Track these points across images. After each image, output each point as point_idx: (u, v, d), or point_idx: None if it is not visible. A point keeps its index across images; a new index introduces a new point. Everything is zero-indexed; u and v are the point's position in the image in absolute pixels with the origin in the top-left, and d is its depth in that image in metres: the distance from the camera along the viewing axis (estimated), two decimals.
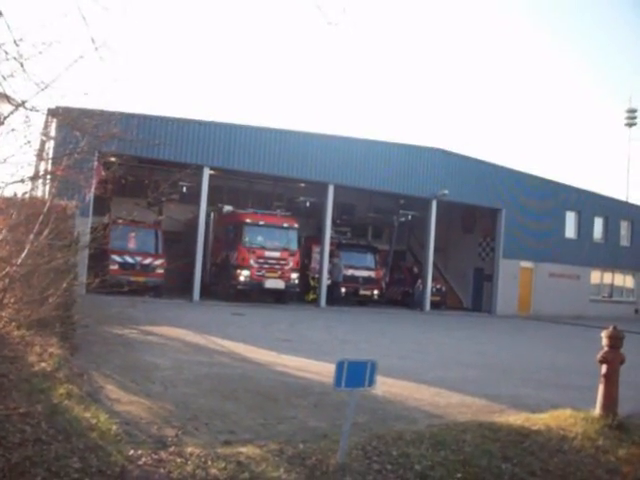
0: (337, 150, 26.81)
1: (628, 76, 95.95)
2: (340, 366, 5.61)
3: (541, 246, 32.90)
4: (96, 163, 9.54)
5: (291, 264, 25.03)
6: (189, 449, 5.42)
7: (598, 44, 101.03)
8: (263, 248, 24.59)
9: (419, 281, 30.61)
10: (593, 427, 7.69)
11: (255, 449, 5.66)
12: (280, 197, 31.58)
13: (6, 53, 5.34)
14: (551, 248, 33.35)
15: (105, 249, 19.29)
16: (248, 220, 24.78)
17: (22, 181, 6.69)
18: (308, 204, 29.49)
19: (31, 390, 6.14)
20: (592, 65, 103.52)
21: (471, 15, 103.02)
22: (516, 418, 7.91)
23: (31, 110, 6.02)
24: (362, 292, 28.75)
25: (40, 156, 8.21)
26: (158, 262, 23.47)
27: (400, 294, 32.24)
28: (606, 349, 8.03)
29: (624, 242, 38.05)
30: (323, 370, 9.65)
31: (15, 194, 7.49)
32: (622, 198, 44.07)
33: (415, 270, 32.43)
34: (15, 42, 5.30)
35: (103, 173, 9.34)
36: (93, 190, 9.79)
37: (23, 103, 5.91)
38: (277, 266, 24.62)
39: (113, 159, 9.27)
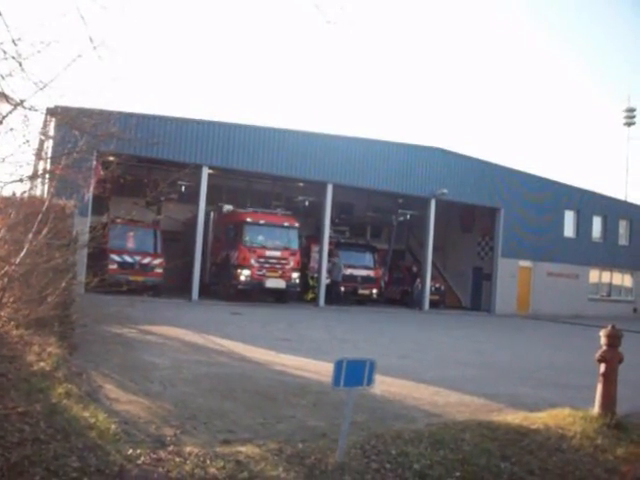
0: (336, 149, 26.81)
1: (627, 75, 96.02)
2: (339, 365, 5.61)
3: (540, 245, 32.93)
4: (95, 162, 9.55)
5: (292, 263, 24.91)
6: (188, 448, 5.42)
7: (597, 43, 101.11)
8: (264, 247, 24.46)
9: (418, 280, 30.62)
10: (592, 426, 7.70)
11: (254, 448, 5.66)
12: (279, 196, 31.57)
13: (4, 52, 5.34)
14: (550, 247, 33.38)
15: (104, 248, 19.27)
16: (249, 219, 24.67)
17: (21, 180, 6.69)
18: (307, 203, 29.49)
19: (30, 389, 6.14)
20: (591, 64, 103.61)
21: (470, 13, 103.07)
22: (515, 417, 7.91)
23: (30, 109, 6.02)
24: (361, 291, 28.75)
25: (39, 155, 8.22)
26: (157, 262, 23.47)
27: (399, 293, 32.27)
28: (604, 348, 8.04)
29: (623, 241, 38.10)
30: (322, 369, 9.65)
31: (14, 193, 7.50)
32: (621, 197, 44.11)
33: (414, 269, 32.43)
34: (14, 41, 5.30)
35: (102, 172, 9.33)
36: (92, 189, 9.78)
37: (22, 102, 5.91)
38: (278, 265, 24.50)
39: (112, 158, 9.29)
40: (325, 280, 27.01)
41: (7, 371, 6.47)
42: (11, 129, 6.09)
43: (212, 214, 26.83)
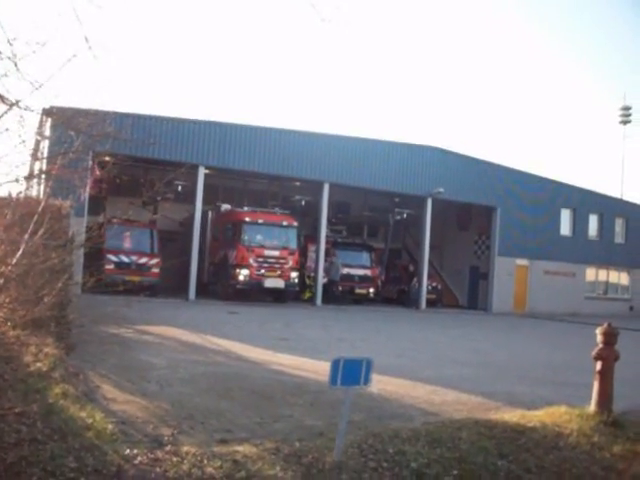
0: (332, 149, 26.82)
1: (623, 73, 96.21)
2: (336, 364, 5.61)
3: (536, 244, 32.99)
4: (91, 162, 9.53)
5: (291, 263, 24.81)
6: (185, 448, 5.42)
7: (593, 42, 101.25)
8: (262, 247, 24.33)
9: (415, 279, 30.66)
10: (588, 424, 7.72)
11: (251, 448, 5.66)
12: (275, 196, 31.56)
13: (0, 53, 5.33)
14: (546, 246, 33.44)
15: (100, 248, 19.24)
16: (247, 219, 24.53)
17: (17, 181, 6.68)
18: (303, 203, 29.48)
19: (27, 390, 6.13)
20: (587, 62, 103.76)
21: (468, 12, 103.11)
22: (512, 415, 7.92)
23: (25, 109, 6.01)
24: (358, 290, 28.74)
25: (35, 156, 8.19)
26: (153, 261, 23.45)
27: (396, 292, 32.28)
28: (601, 346, 8.06)
29: (619, 239, 38.18)
30: (319, 368, 9.65)
31: (10, 194, 7.48)
32: (617, 195, 44.18)
33: (411, 268, 32.46)
34: (9, 41, 5.30)
35: (98, 172, 9.32)
36: (88, 189, 9.77)
37: (17, 102, 5.91)
38: (277, 265, 24.39)
39: (108, 158, 9.25)
40: (322, 279, 27.01)
41: (4, 372, 6.46)
42: (7, 129, 6.08)
43: (210, 213, 26.78)
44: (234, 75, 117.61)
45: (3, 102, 5.91)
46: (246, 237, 24.25)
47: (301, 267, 27.18)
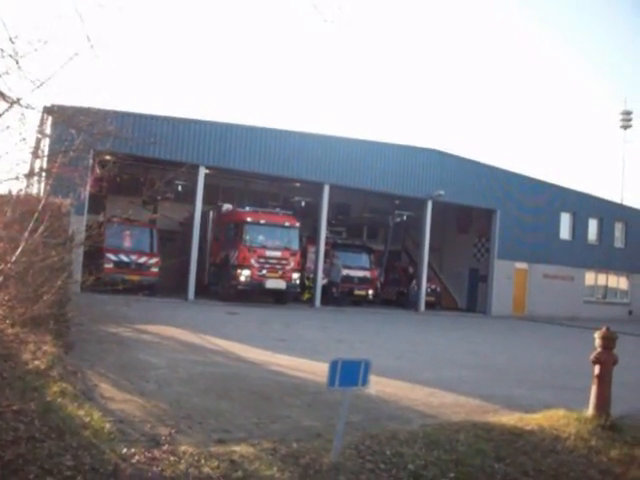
0: (333, 150, 26.82)
1: (624, 78, 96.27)
2: (334, 365, 5.61)
3: (536, 247, 32.99)
4: (91, 161, 9.54)
5: (292, 264, 24.59)
6: (182, 448, 5.42)
7: (594, 45, 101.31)
8: (264, 247, 24.11)
9: (414, 281, 30.66)
10: (586, 427, 7.72)
11: (248, 448, 5.66)
12: (275, 197, 31.56)
13: (1, 50, 5.34)
14: (546, 249, 33.44)
15: (100, 247, 19.25)
16: (249, 219, 24.30)
17: (17, 178, 6.68)
18: (303, 204, 29.46)
19: (25, 388, 6.12)
20: (588, 66, 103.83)
21: (468, 14, 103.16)
22: (509, 418, 7.93)
23: (26, 107, 6.02)
24: (357, 292, 28.71)
25: (35, 153, 8.20)
26: (153, 261, 23.44)
27: (395, 294, 32.29)
28: (599, 350, 8.06)
29: (618, 244, 38.18)
30: (317, 369, 9.66)
31: (10, 191, 7.48)
32: (617, 200, 44.20)
33: (410, 270, 32.47)
34: (11, 39, 5.30)
35: (98, 171, 9.32)
36: (88, 188, 9.77)
37: (18, 100, 5.91)
38: (278, 266, 24.18)
39: (108, 157, 9.26)
40: (322, 281, 26.99)
41: (2, 369, 6.45)
42: (8, 127, 6.08)
43: (211, 213, 26.71)
44: (235, 75, 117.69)
45: (4, 100, 5.92)
46: (248, 237, 24.02)
47: (301, 268, 27.14)
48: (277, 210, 26.61)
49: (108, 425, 5.71)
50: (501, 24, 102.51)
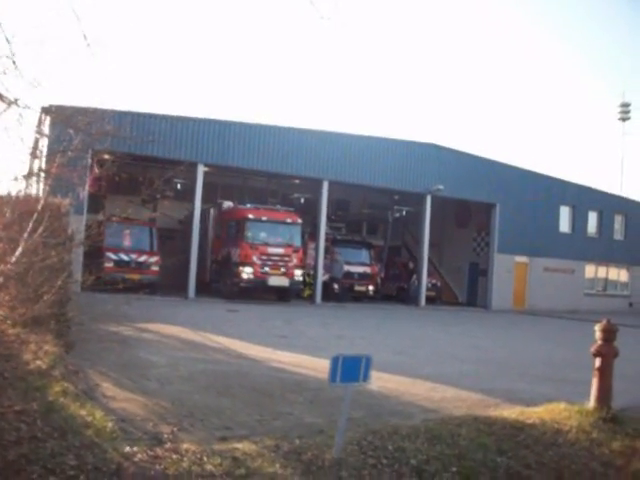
0: (331, 146, 26.80)
1: (622, 70, 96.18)
2: (335, 361, 5.62)
3: (536, 241, 32.98)
4: (90, 161, 9.54)
5: (295, 261, 24.45)
6: (185, 445, 5.42)
7: (592, 38, 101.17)
8: (266, 244, 23.98)
9: (414, 276, 30.67)
10: (587, 420, 7.73)
11: (251, 445, 5.67)
12: (274, 193, 31.53)
13: None
14: (546, 243, 33.44)
15: (100, 247, 19.26)
16: (250, 216, 24.18)
17: (16, 179, 6.69)
18: (302, 200, 29.44)
19: (26, 388, 6.13)
20: (586, 59, 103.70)
21: (466, 9, 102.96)
22: (511, 412, 7.93)
23: (24, 108, 6.01)
24: (357, 288, 28.70)
25: (34, 154, 8.20)
26: (153, 259, 23.45)
27: (395, 289, 32.30)
28: (600, 342, 8.07)
29: (618, 236, 38.18)
30: (319, 366, 9.66)
31: (9, 192, 7.48)
32: (616, 192, 44.19)
33: (410, 265, 32.48)
34: (7, 40, 5.29)
35: (97, 170, 9.33)
36: (87, 188, 9.78)
37: (16, 101, 5.90)
38: (281, 263, 24.06)
39: (107, 156, 9.26)
40: (322, 277, 26.98)
41: (3, 370, 6.46)
42: (5, 128, 6.08)
43: (212, 211, 26.64)
44: (233, 72, 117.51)
45: (2, 100, 5.91)
46: (249, 234, 23.88)
47: (303, 265, 27.07)
48: (278, 207, 26.52)
49: (110, 424, 5.72)
50: (499, 18, 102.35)
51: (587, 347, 8.40)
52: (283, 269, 24.11)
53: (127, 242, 23.61)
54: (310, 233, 28.42)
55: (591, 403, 8.08)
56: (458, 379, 10.39)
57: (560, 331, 23.40)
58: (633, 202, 39.41)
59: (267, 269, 23.77)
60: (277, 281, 24.01)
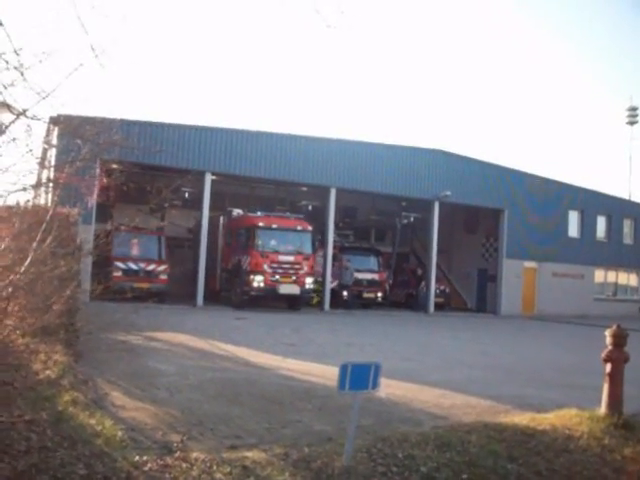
0: (338, 153, 26.83)
1: (629, 74, 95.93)
2: (344, 369, 5.61)
3: (544, 246, 32.87)
4: (98, 170, 9.58)
5: (306, 268, 24.26)
6: (194, 454, 5.42)
7: (599, 42, 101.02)
8: (277, 252, 23.78)
9: (423, 283, 30.60)
10: (599, 426, 7.68)
11: (260, 453, 5.67)
12: (282, 201, 31.56)
13: (7, 62, 5.36)
14: (554, 248, 33.32)
15: (108, 256, 19.32)
16: (261, 223, 23.98)
17: (24, 189, 6.71)
18: (310, 208, 29.44)
19: (36, 398, 6.15)
20: (593, 63, 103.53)
21: (471, 15, 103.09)
22: (521, 418, 7.89)
23: (32, 119, 6.04)
24: (366, 295, 28.65)
25: (42, 164, 8.23)
26: (161, 268, 23.49)
27: (404, 296, 32.22)
28: (610, 348, 8.02)
29: (627, 240, 38.02)
30: (327, 373, 9.65)
31: (18, 203, 7.51)
32: (625, 196, 44.02)
33: (419, 272, 32.40)
34: (15, 51, 5.33)
35: (105, 180, 9.36)
36: (95, 197, 9.82)
37: (24, 112, 5.93)
38: (291, 271, 23.87)
39: (115, 166, 9.31)
40: (330, 284, 26.92)
41: (13, 379, 6.48)
42: (14, 139, 6.10)
43: (221, 219, 26.61)
44: (239, 81, 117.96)
45: (11, 112, 5.94)
46: (260, 242, 23.66)
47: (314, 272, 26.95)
48: (288, 214, 26.47)
49: (120, 433, 5.73)
50: (505, 23, 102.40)
51: (596, 352, 8.36)
52: (294, 277, 23.92)
53: (135, 251, 23.67)
54: (319, 240, 28.39)
55: (602, 409, 8.03)
56: (467, 385, 10.35)
57: (569, 336, 23.28)
58: None
59: (278, 277, 23.57)
60: (288, 289, 23.82)
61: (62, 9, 5.41)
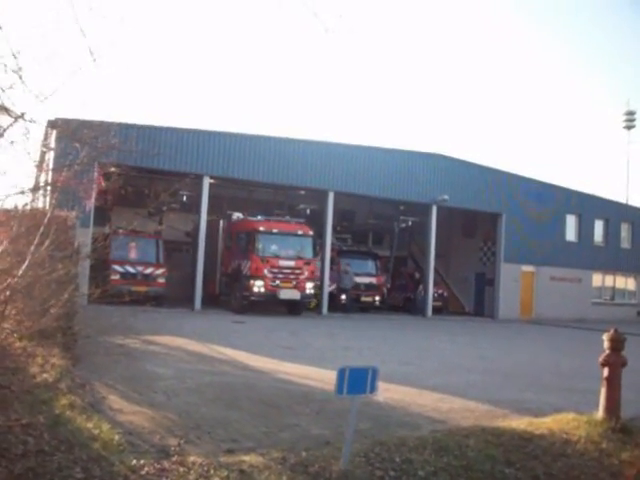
0: (337, 157, 26.83)
1: (626, 78, 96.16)
2: (341, 373, 5.61)
3: (542, 250, 32.89)
4: (96, 174, 9.58)
5: (306, 273, 24.03)
6: (192, 458, 5.41)
7: (596, 47, 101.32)
8: (277, 257, 23.54)
9: (421, 287, 30.60)
10: (596, 430, 7.68)
11: (258, 457, 5.66)
12: (280, 205, 31.56)
13: (5, 66, 5.37)
14: (552, 252, 33.34)
15: (106, 259, 19.30)
16: (261, 228, 23.74)
17: (22, 193, 6.72)
18: (308, 211, 29.41)
19: (33, 401, 6.14)
20: (590, 67, 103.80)
21: (469, 19, 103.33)
22: (519, 423, 7.89)
23: (30, 122, 6.05)
24: (364, 299, 28.62)
25: (40, 167, 8.25)
26: (159, 271, 23.46)
27: (402, 300, 32.22)
28: (608, 352, 8.02)
29: (625, 244, 38.03)
30: (325, 377, 9.64)
31: (15, 206, 7.51)
32: (622, 200, 44.08)
33: (416, 276, 32.40)
34: (14, 55, 5.34)
35: (103, 184, 9.37)
36: (93, 201, 9.83)
37: (22, 115, 5.95)
38: (292, 276, 23.63)
39: (113, 169, 9.31)
40: (328, 287, 26.89)
41: (10, 383, 6.47)
42: (12, 142, 6.11)
43: (221, 222, 26.52)
44: (238, 85, 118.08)
45: (9, 115, 5.95)
46: (260, 247, 23.41)
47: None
48: (287, 218, 26.35)
49: (117, 437, 5.72)
50: (503, 28, 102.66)
51: (594, 356, 8.36)
52: (294, 282, 23.69)
53: (133, 254, 23.63)
54: (319, 245, 28.32)
55: (600, 413, 8.03)
56: (465, 390, 10.35)
57: (567, 340, 23.28)
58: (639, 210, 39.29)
59: (278, 282, 23.34)
60: (288, 294, 23.56)
61: (60, 12, 5.43)
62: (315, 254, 25.34)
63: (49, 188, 7.97)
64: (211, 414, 7.44)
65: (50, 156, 10.44)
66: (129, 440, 5.92)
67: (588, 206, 35.44)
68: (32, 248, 6.77)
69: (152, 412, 7.30)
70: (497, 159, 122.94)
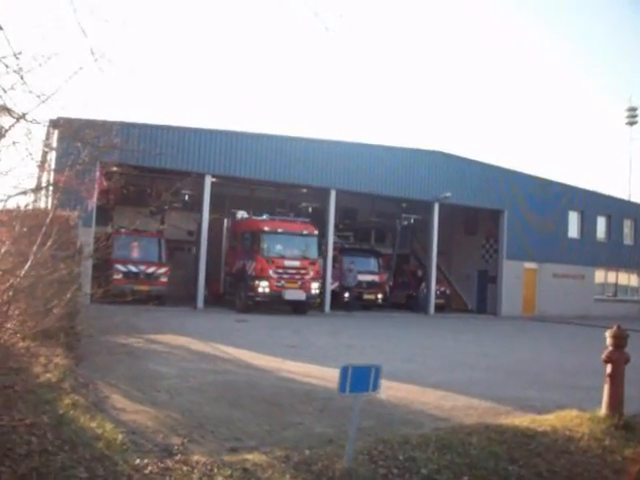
0: (338, 155, 26.83)
1: (628, 75, 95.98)
2: (344, 371, 5.61)
3: (544, 247, 32.88)
4: (98, 173, 9.59)
5: (312, 273, 23.85)
6: (195, 457, 5.42)
7: (598, 43, 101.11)
8: (282, 257, 23.35)
9: (423, 284, 30.60)
10: (599, 427, 7.68)
11: (261, 456, 5.66)
12: (282, 203, 31.54)
13: (6, 66, 5.37)
14: (554, 248, 33.34)
15: (108, 259, 19.32)
16: (266, 228, 23.53)
17: (24, 193, 6.72)
18: (310, 210, 29.40)
19: (37, 401, 6.15)
20: (592, 64, 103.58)
21: (470, 17, 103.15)
22: (522, 420, 7.89)
23: (32, 122, 6.05)
24: (366, 296, 28.59)
25: (42, 167, 8.24)
26: (162, 270, 23.47)
27: (404, 298, 32.19)
28: (610, 349, 8.02)
29: (627, 241, 38.03)
30: (328, 375, 9.64)
31: (18, 206, 7.52)
32: (624, 197, 44.04)
33: (419, 273, 32.38)
34: (15, 55, 5.33)
35: (105, 183, 9.37)
36: (95, 200, 9.83)
37: (24, 115, 5.94)
38: (297, 276, 23.46)
39: (115, 169, 9.31)
40: (330, 285, 26.84)
41: (14, 383, 6.48)
42: (14, 142, 6.11)
43: (225, 221, 26.39)
44: (239, 84, 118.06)
45: (10, 115, 5.95)
46: (265, 247, 23.22)
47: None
48: (291, 216, 26.21)
49: (121, 436, 5.73)
50: (505, 26, 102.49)
51: (597, 353, 8.35)
52: (300, 282, 23.52)
53: (136, 254, 23.64)
54: (324, 244, 28.26)
55: (603, 410, 8.02)
56: (468, 387, 10.34)
57: (570, 337, 23.27)
58: None
59: (283, 283, 23.16)
60: (293, 295, 23.37)
61: (62, 13, 5.43)
62: (320, 253, 25.25)
63: (51, 188, 7.97)
64: (214, 413, 7.45)
65: (52, 156, 10.45)
66: (132, 439, 5.93)
67: (590, 203, 35.41)
68: (34, 248, 6.77)
69: (155, 411, 7.31)
70: (499, 156, 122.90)
